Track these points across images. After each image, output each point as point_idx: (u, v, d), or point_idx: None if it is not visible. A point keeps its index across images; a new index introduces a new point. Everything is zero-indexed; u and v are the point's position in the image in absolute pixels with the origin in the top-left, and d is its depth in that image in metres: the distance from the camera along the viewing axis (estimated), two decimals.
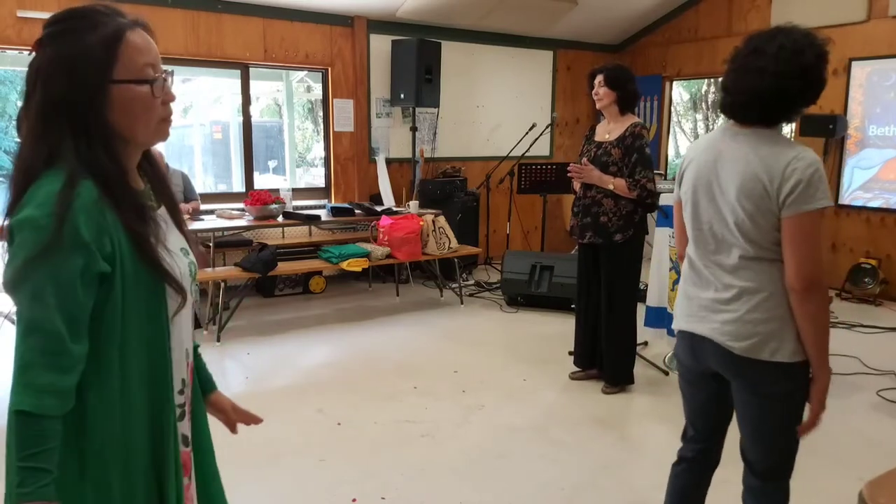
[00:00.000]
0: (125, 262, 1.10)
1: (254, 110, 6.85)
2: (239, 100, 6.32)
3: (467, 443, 3.26)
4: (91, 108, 1.10)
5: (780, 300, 1.74)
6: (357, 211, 5.71)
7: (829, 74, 6.36)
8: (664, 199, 3.97)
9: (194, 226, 4.88)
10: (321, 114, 7.10)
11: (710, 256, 1.85)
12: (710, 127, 12.21)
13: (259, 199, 5.14)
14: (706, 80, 11.39)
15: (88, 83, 1.09)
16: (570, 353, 4.19)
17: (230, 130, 8.17)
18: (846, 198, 6.31)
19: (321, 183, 6.89)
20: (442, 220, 5.72)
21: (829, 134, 6.02)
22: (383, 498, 2.75)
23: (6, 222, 1.07)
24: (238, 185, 6.66)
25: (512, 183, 6.29)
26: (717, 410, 2.00)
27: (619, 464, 3.07)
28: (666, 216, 4.04)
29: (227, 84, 7.72)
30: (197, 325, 4.77)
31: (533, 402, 3.74)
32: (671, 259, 4.11)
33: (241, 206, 5.47)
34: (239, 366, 4.28)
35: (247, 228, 5.54)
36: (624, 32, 8.05)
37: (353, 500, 2.72)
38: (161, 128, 1.18)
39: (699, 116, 12.81)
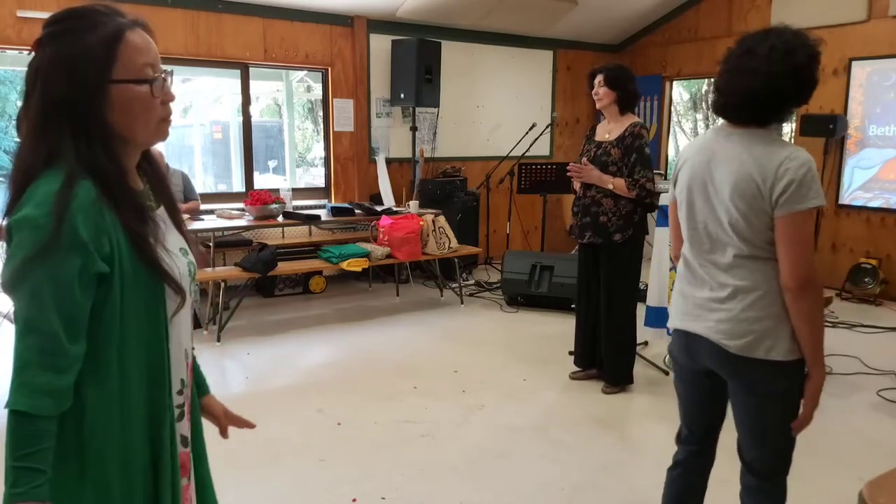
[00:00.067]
0: (124, 262, 1.10)
1: (254, 110, 6.85)
2: (239, 100, 6.32)
3: (467, 443, 3.26)
4: (90, 107, 1.10)
5: (774, 298, 1.75)
6: (357, 211, 5.71)
7: (830, 74, 6.40)
8: (664, 199, 3.97)
9: (194, 226, 4.88)
10: (321, 114, 7.10)
11: (705, 256, 1.87)
12: (711, 126, 12.20)
13: (259, 198, 5.14)
14: (706, 80, 11.36)
15: (88, 83, 1.09)
16: (571, 353, 4.19)
17: (230, 130, 8.16)
18: (846, 198, 6.31)
19: (321, 183, 6.89)
20: (442, 219, 5.73)
21: (829, 134, 6.02)
22: (383, 498, 2.75)
23: (5, 221, 1.07)
24: (238, 185, 6.66)
25: (512, 183, 6.29)
26: (711, 410, 2.01)
27: (619, 464, 3.07)
28: (666, 216, 4.04)
29: (227, 84, 7.72)
30: (196, 325, 4.77)
31: (533, 402, 3.74)
32: (671, 259, 4.10)
33: (241, 206, 5.48)
34: (239, 366, 4.28)
35: (247, 228, 5.54)
36: (624, 32, 8.05)
37: (353, 500, 2.72)
38: (160, 128, 1.18)
39: (699, 116, 12.80)
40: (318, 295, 6.12)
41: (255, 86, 6.59)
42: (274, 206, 5.16)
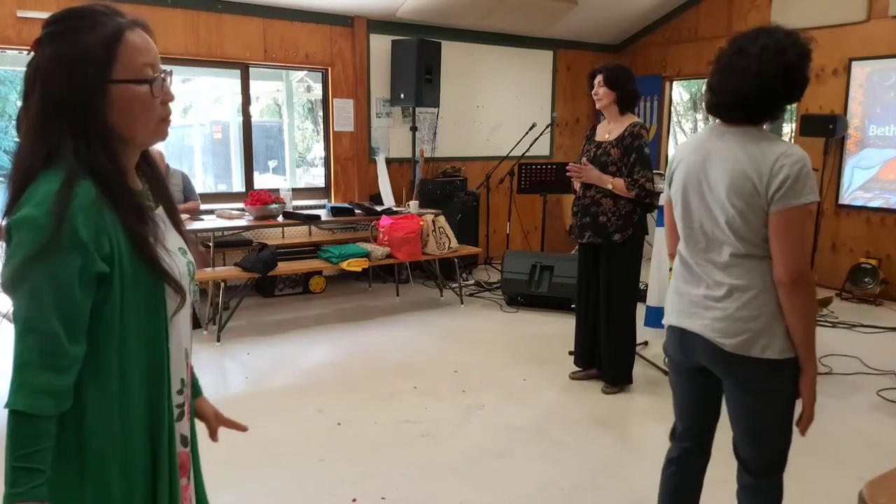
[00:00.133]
0: (124, 262, 1.10)
1: (254, 110, 6.85)
2: (239, 100, 6.32)
3: (467, 443, 3.26)
4: (90, 107, 1.09)
5: (769, 297, 1.76)
6: (357, 211, 5.71)
7: (830, 74, 6.41)
8: (663, 199, 3.97)
9: (194, 226, 4.88)
10: (321, 114, 7.09)
11: (702, 254, 1.88)
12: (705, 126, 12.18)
13: (259, 198, 5.14)
14: (706, 80, 11.38)
15: (88, 83, 1.09)
16: (571, 353, 4.20)
17: (230, 130, 8.16)
18: (846, 198, 6.31)
19: (321, 183, 6.89)
20: (442, 219, 5.73)
21: (829, 134, 6.02)
22: (383, 498, 2.75)
23: (5, 221, 1.07)
24: (238, 185, 6.66)
25: (512, 183, 6.29)
26: (705, 407, 2.02)
27: (619, 464, 3.07)
28: None
29: (227, 84, 7.72)
30: (196, 325, 4.77)
31: (533, 402, 3.74)
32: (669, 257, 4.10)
33: (240, 205, 5.48)
34: (239, 366, 4.28)
35: (247, 228, 5.54)
36: (624, 32, 8.05)
37: (353, 500, 2.72)
38: (160, 128, 1.18)
39: (699, 116, 12.79)
40: (318, 295, 6.12)
41: (255, 86, 6.59)
42: (274, 206, 5.16)
